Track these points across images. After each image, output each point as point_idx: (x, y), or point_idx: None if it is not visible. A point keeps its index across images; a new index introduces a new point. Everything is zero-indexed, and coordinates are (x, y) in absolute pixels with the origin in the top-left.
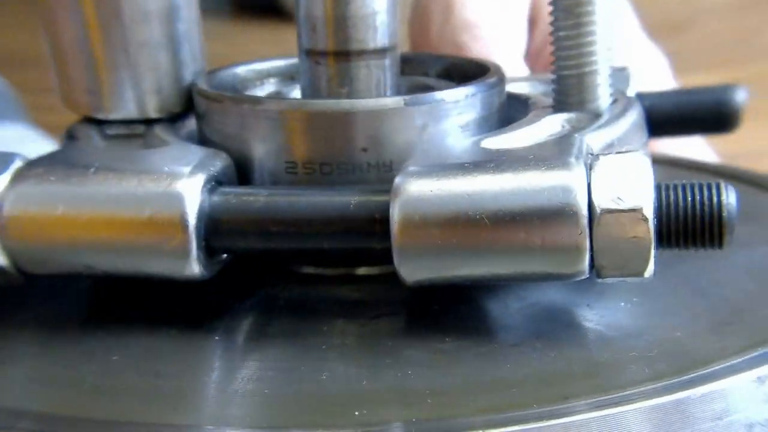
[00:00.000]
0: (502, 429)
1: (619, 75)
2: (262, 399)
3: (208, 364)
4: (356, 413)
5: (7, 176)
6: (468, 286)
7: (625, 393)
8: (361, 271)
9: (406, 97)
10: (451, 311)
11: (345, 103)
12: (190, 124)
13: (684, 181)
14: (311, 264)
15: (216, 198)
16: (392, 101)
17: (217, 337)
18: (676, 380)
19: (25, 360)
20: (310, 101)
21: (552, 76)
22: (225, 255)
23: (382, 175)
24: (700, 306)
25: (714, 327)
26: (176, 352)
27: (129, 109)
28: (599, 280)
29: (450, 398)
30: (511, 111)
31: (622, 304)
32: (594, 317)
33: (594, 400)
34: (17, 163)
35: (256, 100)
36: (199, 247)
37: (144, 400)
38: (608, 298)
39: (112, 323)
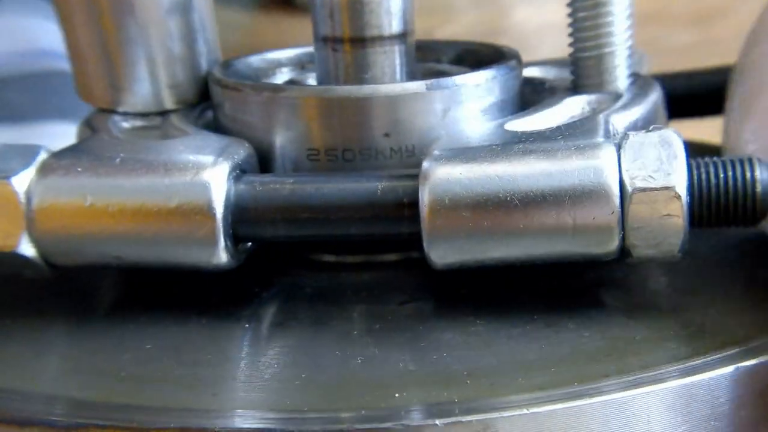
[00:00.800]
0: (545, 407)
1: (635, 56)
2: (301, 384)
3: (242, 351)
4: (396, 395)
5: (33, 169)
6: (493, 269)
7: (666, 370)
8: (382, 257)
9: (428, 82)
10: (479, 294)
11: (367, 89)
12: (206, 113)
13: (716, 158)
14: (332, 252)
15: (242, 186)
16: (414, 86)
17: (246, 325)
18: (717, 356)
19: (59, 350)
20: (331, 87)
21: (565, 59)
22: (250, 244)
23: (405, 160)
24: (730, 284)
25: (749, 304)
26: (209, 340)
27: (147, 102)
28: (628, 260)
29: (489, 379)
30: (528, 94)
31: (651, 282)
32: (624, 296)
33: (635, 377)
34: (42, 155)
35: (277, 88)
36: (226, 236)
37: (184, 387)
38: (635, 277)
39: (140, 313)
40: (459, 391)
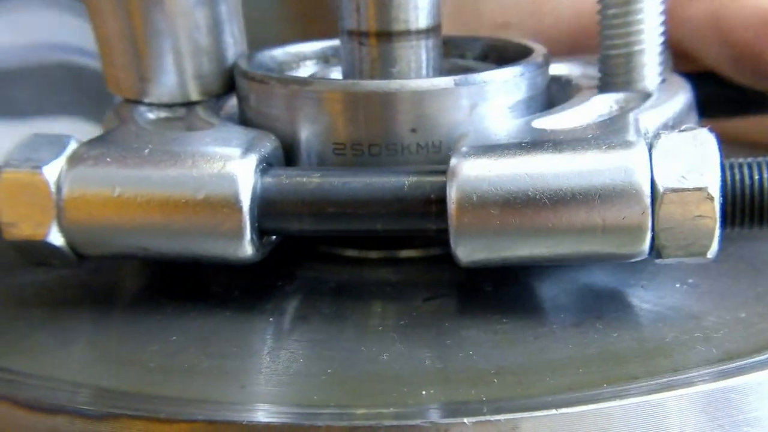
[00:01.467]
0: (576, 408)
1: (665, 55)
2: (327, 379)
3: (267, 344)
4: (423, 393)
5: (63, 158)
6: (518, 267)
7: (698, 373)
8: (404, 254)
9: (456, 78)
10: (504, 292)
11: (395, 84)
12: (229, 105)
13: (750, 159)
14: (355, 247)
15: (268, 179)
16: (442, 81)
17: (270, 318)
18: (749, 360)
19: (86, 339)
20: (358, 82)
21: (590, 58)
22: (274, 237)
23: (431, 156)
24: (761, 286)
25: None
26: (234, 333)
27: (173, 93)
28: (657, 261)
29: (517, 378)
30: (555, 92)
31: (678, 285)
32: (651, 298)
33: (667, 379)
34: (73, 145)
35: (305, 82)
36: (252, 229)
37: (211, 379)
38: (662, 279)
39: (165, 305)
40: (487, 389)
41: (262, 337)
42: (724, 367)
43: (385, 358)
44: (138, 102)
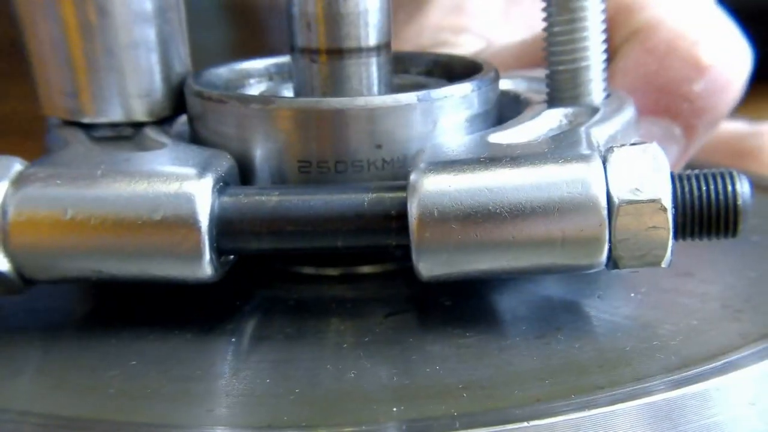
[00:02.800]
0: (547, 420)
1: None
2: (296, 398)
3: (231, 366)
4: (394, 409)
5: (7, 180)
6: (476, 281)
7: (660, 381)
8: (361, 270)
9: (419, 93)
10: (464, 306)
11: (360, 101)
12: (177, 125)
13: (698, 171)
14: (311, 264)
15: (226, 198)
16: (405, 97)
17: (232, 339)
18: (708, 367)
19: (39, 367)
20: (324, 99)
21: (536, 73)
22: (232, 257)
23: (396, 171)
24: (709, 294)
25: (728, 314)
26: (196, 355)
27: (115, 113)
28: (613, 270)
29: (485, 391)
30: (503, 107)
31: (632, 294)
32: (608, 308)
33: (631, 388)
34: (17, 167)
35: (268, 100)
36: (211, 249)
37: (177, 403)
38: (616, 289)
39: (120, 328)
40: (456, 404)
41: (225, 358)
42: (685, 374)
43: (351, 375)
44: (76, 123)
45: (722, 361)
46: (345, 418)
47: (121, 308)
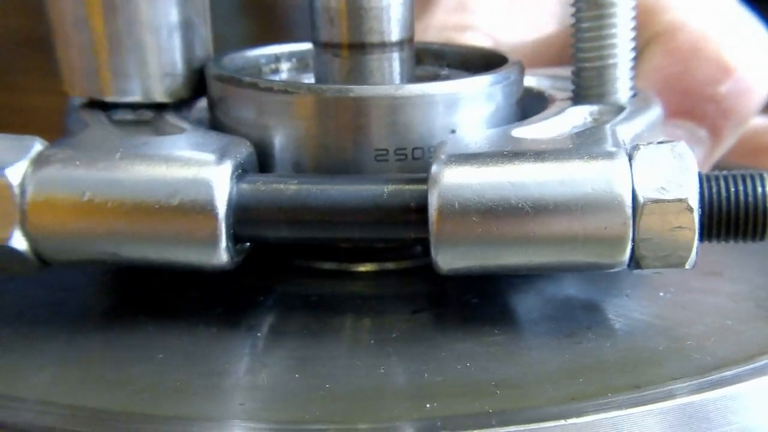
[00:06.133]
0: (585, 418)
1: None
2: (327, 394)
3: (259, 361)
4: (427, 406)
5: (27, 160)
6: (501, 278)
7: (699, 380)
8: (384, 266)
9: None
10: (490, 304)
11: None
12: (196, 110)
13: (726, 172)
14: (333, 260)
15: (244, 185)
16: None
17: (258, 334)
18: (747, 368)
19: (63, 361)
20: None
21: (555, 70)
22: (248, 244)
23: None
24: (740, 294)
25: (763, 314)
26: (222, 349)
27: (135, 93)
28: (635, 271)
29: (519, 389)
30: (527, 103)
31: (661, 294)
32: (637, 307)
33: (669, 388)
34: (37, 147)
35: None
36: (228, 236)
37: (208, 398)
38: (644, 288)
39: (145, 322)
40: (490, 401)
41: (251, 353)
42: (723, 374)
43: (381, 371)
44: (100, 104)
45: (761, 362)
46: (379, 414)
47: (143, 302)
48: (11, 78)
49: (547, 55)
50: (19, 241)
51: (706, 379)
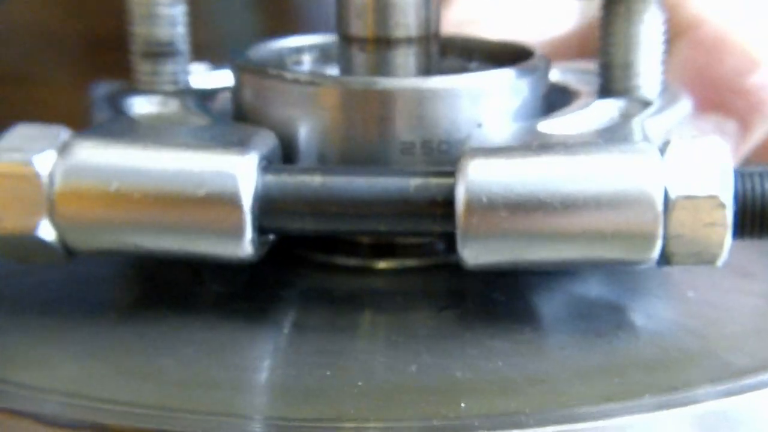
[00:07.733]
0: (620, 419)
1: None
2: (359, 391)
3: (289, 357)
4: (462, 404)
5: (54, 150)
6: (528, 276)
7: (739, 382)
8: (407, 263)
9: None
10: (518, 302)
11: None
12: (220, 101)
13: (761, 167)
14: (357, 256)
15: (270, 177)
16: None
17: (285, 330)
18: None
19: (90, 353)
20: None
21: (585, 64)
22: (272, 236)
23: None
24: (764, 294)
25: None
26: (249, 345)
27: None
28: (664, 268)
29: (551, 387)
30: (552, 97)
31: (691, 294)
32: (666, 307)
33: (708, 390)
34: (64, 136)
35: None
36: (253, 228)
37: (239, 392)
38: (673, 288)
39: (169, 316)
40: (525, 400)
41: (279, 348)
42: (763, 376)
43: (413, 369)
44: (124, 93)
45: None
46: (412, 411)
47: (166, 296)
48: (28, 70)
49: (568, 49)
50: (46, 231)
51: (744, 381)
